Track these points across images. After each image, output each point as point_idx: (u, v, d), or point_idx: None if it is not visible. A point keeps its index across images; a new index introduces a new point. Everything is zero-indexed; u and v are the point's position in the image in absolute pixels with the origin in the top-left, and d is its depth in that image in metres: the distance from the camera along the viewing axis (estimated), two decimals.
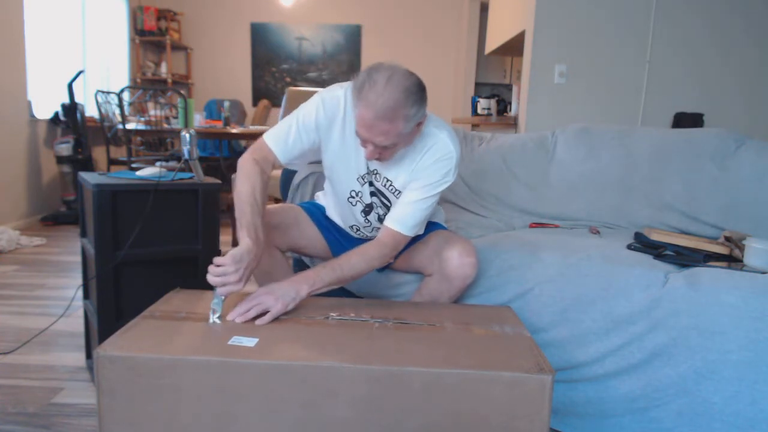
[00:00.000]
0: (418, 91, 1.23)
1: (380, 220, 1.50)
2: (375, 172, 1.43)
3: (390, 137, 1.23)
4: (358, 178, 1.45)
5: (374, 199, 1.47)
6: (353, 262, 1.32)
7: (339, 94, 1.37)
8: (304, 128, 1.37)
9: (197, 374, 0.97)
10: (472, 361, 1.01)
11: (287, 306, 1.19)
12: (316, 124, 1.37)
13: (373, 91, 1.19)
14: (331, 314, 1.23)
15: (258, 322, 1.15)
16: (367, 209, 1.50)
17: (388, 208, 1.47)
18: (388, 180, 1.42)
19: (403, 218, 1.37)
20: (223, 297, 1.17)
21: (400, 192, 1.42)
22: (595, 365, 1.43)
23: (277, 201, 3.86)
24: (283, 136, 1.38)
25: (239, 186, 1.31)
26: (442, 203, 2.23)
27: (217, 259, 1.17)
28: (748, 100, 3.56)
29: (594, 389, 1.44)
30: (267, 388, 0.97)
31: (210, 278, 1.16)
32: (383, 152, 1.29)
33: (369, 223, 1.53)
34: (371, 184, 1.45)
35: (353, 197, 1.49)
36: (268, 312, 1.17)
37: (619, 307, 1.41)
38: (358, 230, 1.58)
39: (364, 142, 1.27)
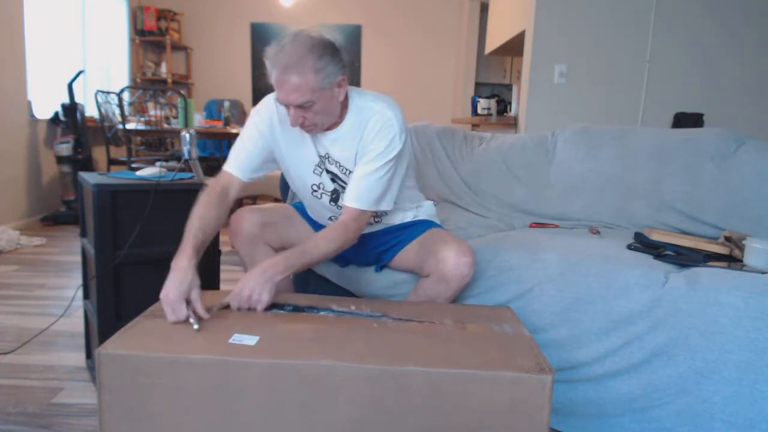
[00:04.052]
0: (326, 46, 1.27)
1: None
2: (327, 156, 1.45)
3: (303, 93, 1.26)
4: (314, 170, 1.48)
5: (335, 185, 1.50)
6: (321, 246, 1.35)
7: (269, 99, 1.46)
8: (249, 140, 1.46)
9: (198, 373, 0.98)
10: (472, 360, 1.01)
11: (271, 294, 1.23)
12: (258, 130, 1.46)
13: (282, 52, 1.25)
14: (333, 307, 1.24)
15: (258, 309, 1.22)
16: (334, 196, 1.51)
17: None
18: (338, 162, 1.45)
19: (359, 194, 1.39)
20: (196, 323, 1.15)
21: (352, 172, 1.45)
22: (595, 365, 1.43)
23: (276, 201, 3.87)
24: (236, 158, 1.47)
25: None
26: (441, 202, 2.23)
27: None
28: (749, 100, 3.56)
29: (594, 389, 1.44)
30: (267, 386, 0.98)
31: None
32: (306, 115, 1.31)
33: (342, 208, 1.54)
34: (328, 171, 1.48)
35: (316, 190, 1.52)
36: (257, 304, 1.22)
37: (619, 307, 1.41)
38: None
39: (287, 108, 1.31)
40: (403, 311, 1.26)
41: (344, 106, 1.40)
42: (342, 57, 1.31)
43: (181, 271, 1.19)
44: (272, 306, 1.26)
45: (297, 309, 1.25)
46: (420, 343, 1.08)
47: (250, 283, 1.22)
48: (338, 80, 1.31)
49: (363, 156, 1.40)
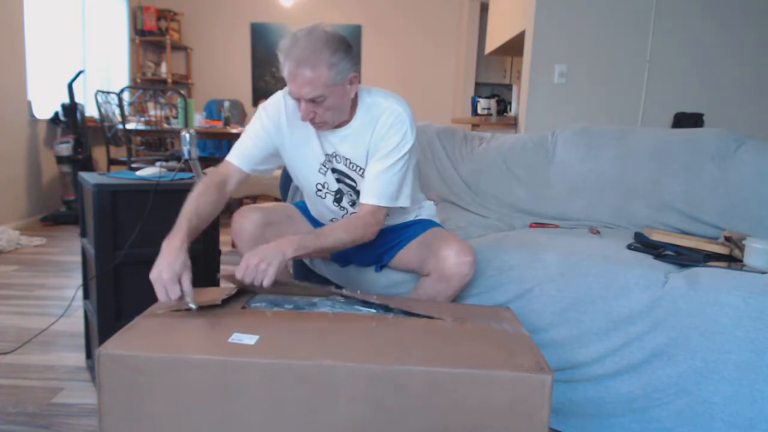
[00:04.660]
0: (339, 42, 1.28)
1: (354, 204, 1.52)
2: (334, 154, 1.45)
3: (316, 87, 1.26)
4: (319, 169, 1.48)
5: (341, 185, 1.49)
6: (337, 234, 1.35)
7: (278, 95, 1.46)
8: (255, 134, 1.46)
9: (198, 373, 0.97)
10: (472, 360, 1.01)
11: (278, 268, 1.21)
12: (264, 127, 1.45)
13: (296, 45, 1.25)
14: (335, 296, 1.25)
15: (265, 283, 1.18)
16: (338, 196, 1.52)
17: (355, 190, 1.49)
18: (347, 159, 1.45)
19: (377, 191, 1.39)
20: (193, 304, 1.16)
21: (363, 169, 1.45)
22: (595, 365, 1.43)
23: (276, 201, 3.87)
24: (239, 148, 1.47)
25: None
26: (441, 202, 2.23)
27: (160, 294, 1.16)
28: (749, 100, 3.56)
29: (594, 389, 1.44)
30: (267, 386, 0.98)
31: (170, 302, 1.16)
32: (317, 110, 1.31)
33: (345, 210, 1.55)
34: (334, 170, 1.48)
35: (320, 190, 1.52)
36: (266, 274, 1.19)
37: (619, 307, 1.41)
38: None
39: (297, 102, 1.31)
40: (403, 306, 1.26)
41: (354, 103, 1.40)
42: (354, 54, 1.32)
43: (174, 251, 1.15)
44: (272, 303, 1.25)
45: (297, 307, 1.25)
46: (420, 342, 1.08)
47: (261, 252, 1.20)
48: (350, 77, 1.31)
49: (376, 153, 1.40)
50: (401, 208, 1.57)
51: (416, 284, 1.53)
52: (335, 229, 1.36)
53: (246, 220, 1.51)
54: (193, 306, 1.10)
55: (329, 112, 1.33)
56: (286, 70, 1.27)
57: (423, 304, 1.30)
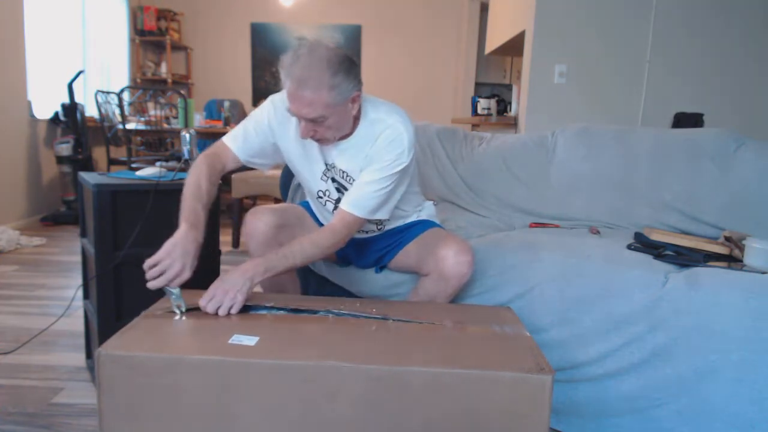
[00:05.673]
0: (342, 63, 1.25)
1: None
2: (333, 165, 1.44)
3: (316, 108, 1.24)
4: (321, 176, 1.47)
5: (340, 194, 1.48)
6: (305, 250, 1.33)
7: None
8: (258, 127, 1.44)
9: (198, 373, 0.98)
10: (472, 361, 1.01)
11: (246, 295, 1.22)
12: (269, 123, 1.44)
13: (297, 64, 1.23)
14: (331, 308, 1.24)
15: (233, 311, 1.19)
16: (338, 205, 1.50)
17: None
18: (344, 172, 1.43)
19: (356, 200, 1.37)
20: (177, 290, 1.19)
21: None
22: (595, 365, 1.43)
23: (276, 201, 3.86)
24: (239, 135, 1.45)
25: (186, 179, 1.37)
26: (441, 202, 2.23)
27: (149, 260, 1.20)
28: (748, 100, 3.56)
29: (594, 389, 1.44)
30: (267, 387, 0.98)
31: (151, 283, 1.18)
32: (318, 129, 1.30)
33: None
34: (334, 180, 1.47)
35: (321, 197, 1.51)
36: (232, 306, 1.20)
37: (619, 307, 1.41)
38: None
39: (299, 119, 1.30)
40: (403, 312, 1.26)
41: (356, 117, 1.37)
42: (357, 72, 1.29)
43: (193, 242, 1.23)
44: (269, 307, 1.25)
45: (296, 310, 1.25)
46: (420, 344, 1.08)
47: (228, 281, 1.20)
48: (352, 96, 1.28)
49: (368, 165, 1.38)
50: (401, 211, 1.57)
51: (416, 284, 1.53)
52: (304, 245, 1.33)
53: (259, 221, 1.48)
54: (181, 307, 1.17)
55: (330, 130, 1.31)
56: (286, 87, 1.25)
57: (423, 310, 1.30)
